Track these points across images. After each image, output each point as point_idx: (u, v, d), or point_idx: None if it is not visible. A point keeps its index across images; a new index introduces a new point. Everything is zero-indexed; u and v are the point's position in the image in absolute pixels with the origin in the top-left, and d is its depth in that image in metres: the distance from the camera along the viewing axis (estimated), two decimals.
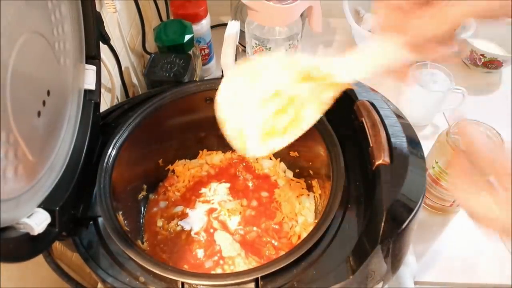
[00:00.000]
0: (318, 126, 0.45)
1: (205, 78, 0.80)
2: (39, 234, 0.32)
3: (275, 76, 0.33)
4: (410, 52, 0.29)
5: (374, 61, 0.30)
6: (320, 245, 0.37)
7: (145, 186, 0.54)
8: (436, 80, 0.68)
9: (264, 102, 0.34)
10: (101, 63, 0.46)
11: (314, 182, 0.52)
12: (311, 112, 0.34)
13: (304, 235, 0.47)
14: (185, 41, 0.66)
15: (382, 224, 0.34)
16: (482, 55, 0.78)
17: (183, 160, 0.59)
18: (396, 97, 0.71)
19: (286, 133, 0.34)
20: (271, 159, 0.58)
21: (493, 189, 0.27)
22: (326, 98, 0.33)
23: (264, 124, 0.34)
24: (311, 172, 0.53)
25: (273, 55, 0.35)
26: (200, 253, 0.48)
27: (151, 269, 0.35)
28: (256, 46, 0.69)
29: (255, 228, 0.51)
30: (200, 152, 0.59)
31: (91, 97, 0.45)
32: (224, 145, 0.59)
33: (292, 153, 0.55)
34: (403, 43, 0.28)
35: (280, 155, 0.58)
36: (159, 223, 0.52)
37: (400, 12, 0.28)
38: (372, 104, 0.44)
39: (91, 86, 0.44)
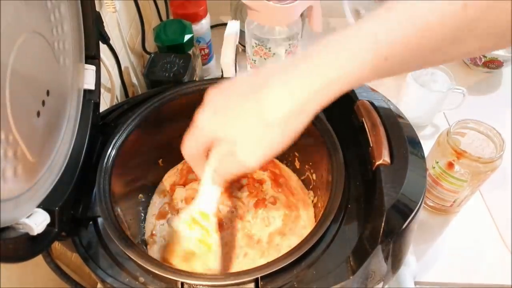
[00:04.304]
0: (318, 126, 0.46)
1: (205, 78, 0.80)
2: (38, 234, 0.32)
3: (187, 240, 0.42)
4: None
5: (216, 195, 0.41)
6: (320, 245, 0.37)
7: (145, 186, 0.54)
8: (436, 80, 0.68)
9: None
10: (101, 63, 0.46)
11: (314, 182, 0.52)
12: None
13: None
14: (185, 41, 0.65)
15: (382, 224, 0.34)
16: (483, 55, 0.78)
17: (184, 160, 0.59)
18: (396, 97, 0.71)
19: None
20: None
21: None
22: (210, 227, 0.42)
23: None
24: (311, 171, 0.53)
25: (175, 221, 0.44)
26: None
27: (150, 269, 0.35)
28: (256, 46, 0.69)
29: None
30: None
31: (90, 97, 0.45)
32: None
33: (292, 153, 0.55)
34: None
35: (280, 156, 0.58)
36: (160, 222, 0.52)
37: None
38: (372, 104, 0.44)
39: (91, 86, 0.44)
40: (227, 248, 0.49)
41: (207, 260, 0.42)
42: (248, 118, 0.32)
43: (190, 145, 0.37)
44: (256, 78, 0.33)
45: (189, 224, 0.42)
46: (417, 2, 0.26)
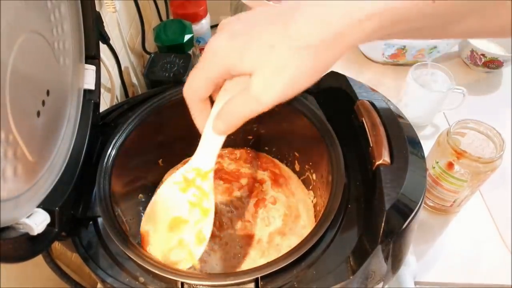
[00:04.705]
0: (318, 126, 0.46)
1: None
2: (38, 234, 0.32)
3: (176, 205, 0.38)
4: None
5: (216, 147, 0.35)
6: (320, 245, 0.37)
7: (145, 186, 0.54)
8: (436, 80, 0.68)
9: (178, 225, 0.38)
10: (101, 63, 0.46)
11: (314, 182, 0.52)
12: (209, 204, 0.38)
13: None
14: (185, 41, 0.66)
15: (382, 224, 0.34)
16: (483, 54, 0.78)
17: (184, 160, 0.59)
18: (396, 97, 0.71)
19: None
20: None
21: None
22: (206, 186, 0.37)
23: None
24: (311, 171, 0.53)
25: (165, 185, 0.39)
26: None
27: (150, 269, 0.35)
28: None
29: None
30: None
31: (90, 97, 0.45)
32: (223, 145, 0.59)
33: (292, 153, 0.55)
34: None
35: (280, 156, 0.58)
36: None
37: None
38: (372, 104, 0.44)
39: (91, 86, 0.44)
40: (227, 248, 0.49)
41: (200, 227, 0.37)
42: (271, 40, 0.27)
43: (197, 80, 0.31)
44: (284, 4, 0.28)
45: (181, 185, 0.37)
46: None
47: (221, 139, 0.34)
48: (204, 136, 0.34)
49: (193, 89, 0.32)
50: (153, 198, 0.39)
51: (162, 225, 0.38)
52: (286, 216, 0.51)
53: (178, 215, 0.38)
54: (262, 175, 0.57)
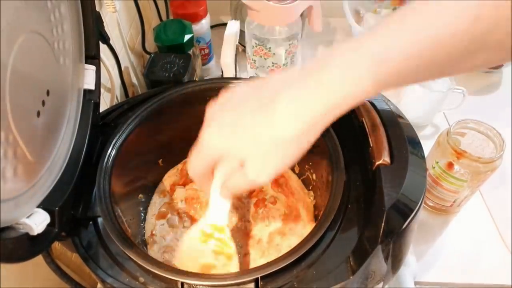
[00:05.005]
0: None
1: (205, 78, 0.80)
2: (38, 234, 0.32)
3: (202, 255, 0.42)
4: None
5: (226, 206, 0.40)
6: (320, 245, 0.37)
7: (145, 186, 0.54)
8: (436, 80, 0.68)
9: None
10: (101, 63, 0.46)
11: (314, 182, 0.52)
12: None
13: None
14: (185, 41, 0.66)
15: (382, 224, 0.34)
16: None
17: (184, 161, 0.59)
18: (396, 97, 0.71)
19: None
20: None
21: None
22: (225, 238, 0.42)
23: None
24: (311, 171, 0.53)
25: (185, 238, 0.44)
26: None
27: (150, 269, 0.35)
28: (256, 46, 0.69)
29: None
30: None
31: (90, 97, 0.45)
32: None
33: None
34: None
35: None
36: (160, 222, 0.52)
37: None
38: (372, 104, 0.44)
39: (91, 86, 0.44)
40: None
41: (229, 269, 0.41)
42: (258, 135, 0.31)
43: (196, 164, 0.36)
44: (262, 92, 0.32)
45: (201, 238, 0.42)
46: (427, 16, 0.26)
47: (229, 201, 0.40)
48: (212, 199, 0.40)
49: (195, 170, 0.37)
50: (177, 255, 0.44)
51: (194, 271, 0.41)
52: (286, 216, 0.51)
53: (206, 262, 0.41)
54: None
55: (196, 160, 0.36)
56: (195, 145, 0.36)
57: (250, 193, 0.54)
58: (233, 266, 0.41)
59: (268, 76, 0.33)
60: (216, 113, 0.34)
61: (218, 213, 0.41)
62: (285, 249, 0.47)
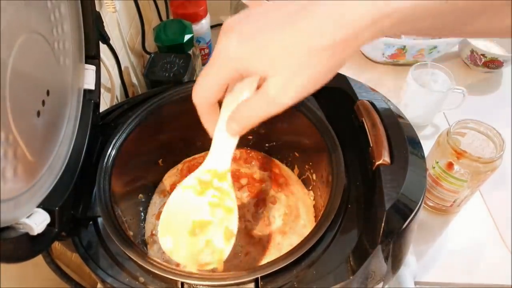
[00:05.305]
0: (318, 126, 0.46)
1: None
2: (38, 234, 0.32)
3: (195, 209, 0.37)
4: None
5: (231, 148, 0.35)
6: (320, 245, 0.37)
7: (145, 186, 0.54)
8: (436, 80, 0.68)
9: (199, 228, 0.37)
10: (101, 63, 0.46)
11: (314, 182, 0.52)
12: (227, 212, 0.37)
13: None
14: (185, 41, 0.66)
15: (382, 224, 0.34)
16: (483, 55, 0.78)
17: (184, 160, 0.59)
18: (396, 97, 0.71)
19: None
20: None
21: None
22: (226, 187, 0.37)
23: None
24: (311, 171, 0.53)
25: (178, 190, 0.38)
26: None
27: (150, 269, 0.35)
28: None
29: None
30: (202, 152, 0.59)
31: (90, 97, 0.45)
32: None
33: (292, 153, 0.55)
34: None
35: (281, 155, 0.58)
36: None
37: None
38: (372, 104, 0.44)
39: (91, 86, 0.44)
40: None
41: (226, 225, 0.37)
42: (288, 43, 0.26)
43: (208, 81, 0.30)
44: (290, 3, 0.27)
45: (196, 189, 0.37)
46: None
47: (235, 140, 0.34)
48: (216, 138, 0.34)
49: (204, 94, 0.31)
50: (165, 208, 0.38)
51: (183, 231, 0.37)
52: (286, 215, 0.52)
53: (199, 218, 0.37)
54: (262, 175, 0.57)
55: (207, 77, 0.30)
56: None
57: (250, 193, 0.55)
58: (232, 222, 0.37)
59: None
60: (235, 24, 0.28)
61: (220, 157, 0.35)
62: (286, 248, 0.47)
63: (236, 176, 0.57)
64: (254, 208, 0.53)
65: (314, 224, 0.50)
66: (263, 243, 0.49)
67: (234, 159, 0.59)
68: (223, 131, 0.33)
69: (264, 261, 0.46)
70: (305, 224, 0.50)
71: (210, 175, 0.36)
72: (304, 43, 0.26)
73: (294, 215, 0.52)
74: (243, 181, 0.56)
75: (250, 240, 0.49)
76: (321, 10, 0.26)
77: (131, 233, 0.45)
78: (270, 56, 0.27)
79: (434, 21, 0.26)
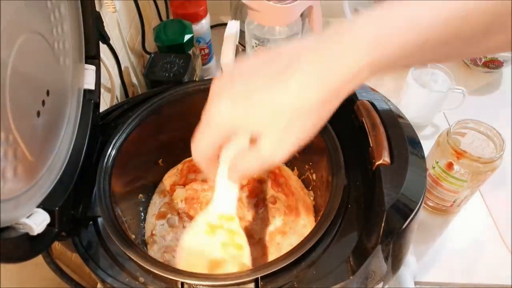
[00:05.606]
0: None
1: (205, 78, 0.80)
2: (38, 234, 0.32)
3: (209, 249, 0.40)
4: None
5: (235, 193, 0.38)
6: (320, 245, 0.37)
7: (145, 186, 0.54)
8: (436, 80, 0.68)
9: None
10: (101, 63, 0.46)
11: (314, 182, 0.52)
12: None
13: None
14: (185, 41, 0.66)
15: (382, 224, 0.34)
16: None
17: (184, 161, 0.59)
18: (396, 97, 0.71)
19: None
20: None
21: None
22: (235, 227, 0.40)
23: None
24: (311, 172, 0.53)
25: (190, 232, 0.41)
26: None
27: (150, 269, 0.35)
28: (256, 46, 0.69)
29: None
30: None
31: (90, 97, 0.45)
32: None
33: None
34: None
35: None
36: (160, 222, 0.52)
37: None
38: (373, 104, 0.44)
39: (91, 86, 0.44)
40: None
41: (241, 260, 0.39)
42: (276, 105, 0.28)
43: (204, 143, 0.32)
44: (276, 61, 0.29)
45: (207, 231, 0.40)
46: None
47: (237, 186, 0.38)
48: (219, 185, 0.37)
49: (202, 152, 0.33)
50: (180, 249, 0.41)
51: (203, 269, 0.39)
52: (286, 215, 0.52)
53: (215, 257, 0.39)
54: (262, 174, 0.57)
55: (204, 139, 0.32)
56: (199, 126, 0.32)
57: (250, 193, 0.55)
58: (245, 257, 0.39)
59: (278, 46, 0.30)
60: (224, 87, 0.30)
61: (226, 201, 0.38)
62: (286, 248, 0.47)
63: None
64: (254, 208, 0.53)
65: (314, 224, 0.50)
66: (263, 243, 0.49)
67: None
68: (225, 177, 0.36)
69: (264, 261, 0.46)
70: (305, 224, 0.50)
71: (218, 219, 0.39)
72: (292, 106, 0.28)
73: (294, 215, 0.52)
74: (243, 181, 0.56)
75: (250, 240, 0.49)
76: (302, 70, 0.27)
77: (131, 233, 0.45)
78: (260, 119, 0.29)
79: (420, 57, 0.28)
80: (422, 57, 0.28)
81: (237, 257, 0.39)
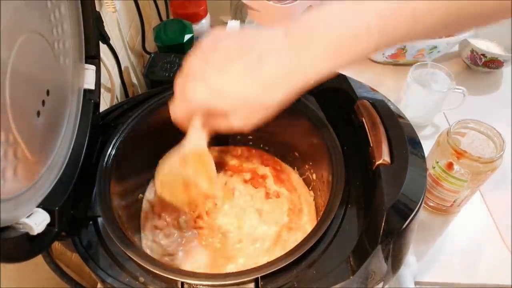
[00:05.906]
0: (318, 126, 0.46)
1: None
2: (38, 234, 0.32)
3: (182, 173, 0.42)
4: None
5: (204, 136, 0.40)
6: (320, 245, 0.37)
7: (145, 186, 0.54)
8: (436, 80, 0.68)
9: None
10: (101, 62, 0.46)
11: (314, 182, 0.52)
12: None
13: None
14: (185, 40, 0.66)
15: (382, 224, 0.34)
16: (483, 54, 0.78)
17: None
18: (396, 97, 0.71)
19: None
20: None
21: None
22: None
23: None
24: (311, 171, 0.53)
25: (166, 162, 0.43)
26: None
27: (150, 269, 0.35)
28: None
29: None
30: None
31: (90, 97, 0.45)
32: (225, 143, 0.59)
33: (292, 153, 0.55)
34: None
35: (281, 155, 0.58)
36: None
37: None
38: (373, 104, 0.44)
39: (91, 85, 0.44)
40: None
41: (208, 175, 0.42)
42: (245, 98, 0.33)
43: (181, 110, 0.38)
44: (250, 51, 0.32)
45: (182, 162, 0.42)
46: None
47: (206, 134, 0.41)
48: (192, 129, 0.39)
49: (178, 117, 0.38)
50: (157, 177, 0.43)
51: (177, 188, 0.42)
52: (291, 210, 0.52)
53: (187, 175, 0.42)
54: (264, 170, 0.57)
55: (180, 107, 0.37)
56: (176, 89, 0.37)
57: (255, 188, 0.55)
58: (212, 172, 0.42)
59: (249, 31, 0.35)
60: (199, 67, 0.35)
61: (196, 139, 0.40)
62: (291, 244, 0.47)
63: (239, 170, 0.57)
64: (259, 205, 0.53)
65: (315, 221, 0.50)
66: (269, 239, 0.49)
67: (236, 156, 0.59)
68: (198, 128, 0.39)
69: (270, 258, 0.46)
70: (307, 221, 0.50)
71: (191, 154, 0.41)
72: (259, 98, 0.33)
73: (297, 210, 0.52)
74: (247, 175, 0.56)
75: (251, 238, 0.49)
76: (272, 69, 0.32)
77: (131, 233, 0.45)
78: (230, 106, 0.34)
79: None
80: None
81: (202, 174, 0.42)
